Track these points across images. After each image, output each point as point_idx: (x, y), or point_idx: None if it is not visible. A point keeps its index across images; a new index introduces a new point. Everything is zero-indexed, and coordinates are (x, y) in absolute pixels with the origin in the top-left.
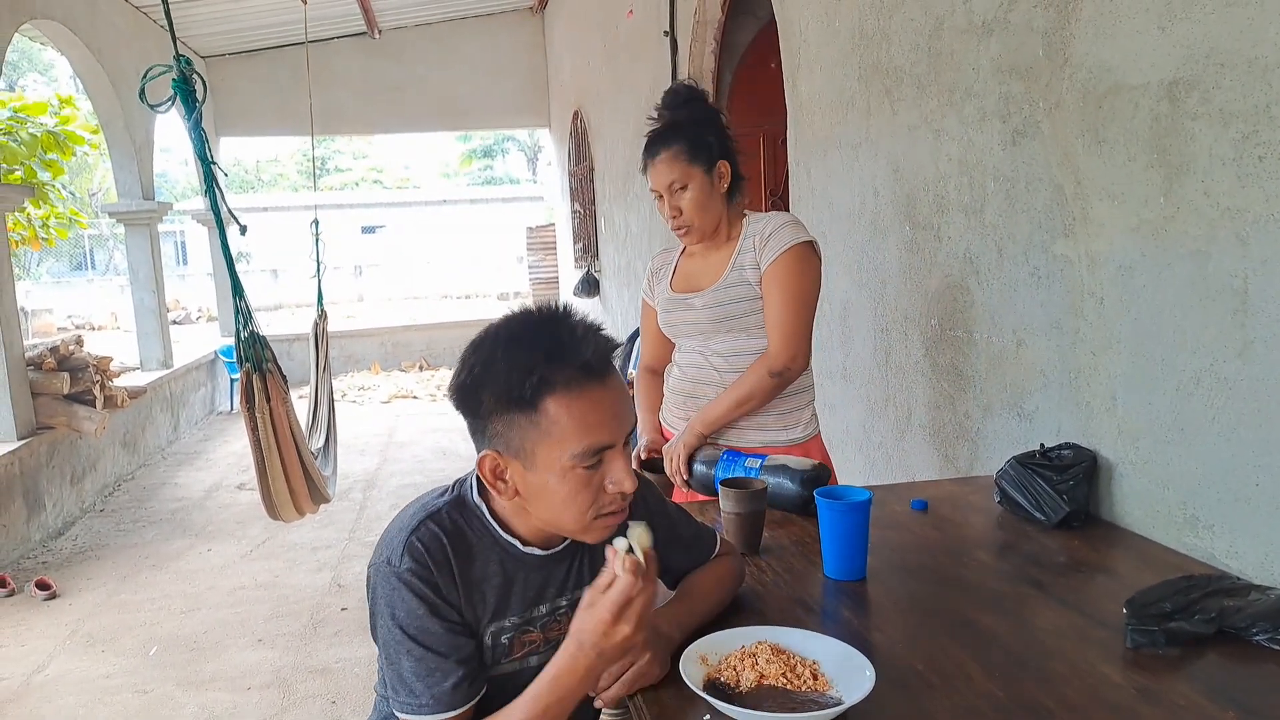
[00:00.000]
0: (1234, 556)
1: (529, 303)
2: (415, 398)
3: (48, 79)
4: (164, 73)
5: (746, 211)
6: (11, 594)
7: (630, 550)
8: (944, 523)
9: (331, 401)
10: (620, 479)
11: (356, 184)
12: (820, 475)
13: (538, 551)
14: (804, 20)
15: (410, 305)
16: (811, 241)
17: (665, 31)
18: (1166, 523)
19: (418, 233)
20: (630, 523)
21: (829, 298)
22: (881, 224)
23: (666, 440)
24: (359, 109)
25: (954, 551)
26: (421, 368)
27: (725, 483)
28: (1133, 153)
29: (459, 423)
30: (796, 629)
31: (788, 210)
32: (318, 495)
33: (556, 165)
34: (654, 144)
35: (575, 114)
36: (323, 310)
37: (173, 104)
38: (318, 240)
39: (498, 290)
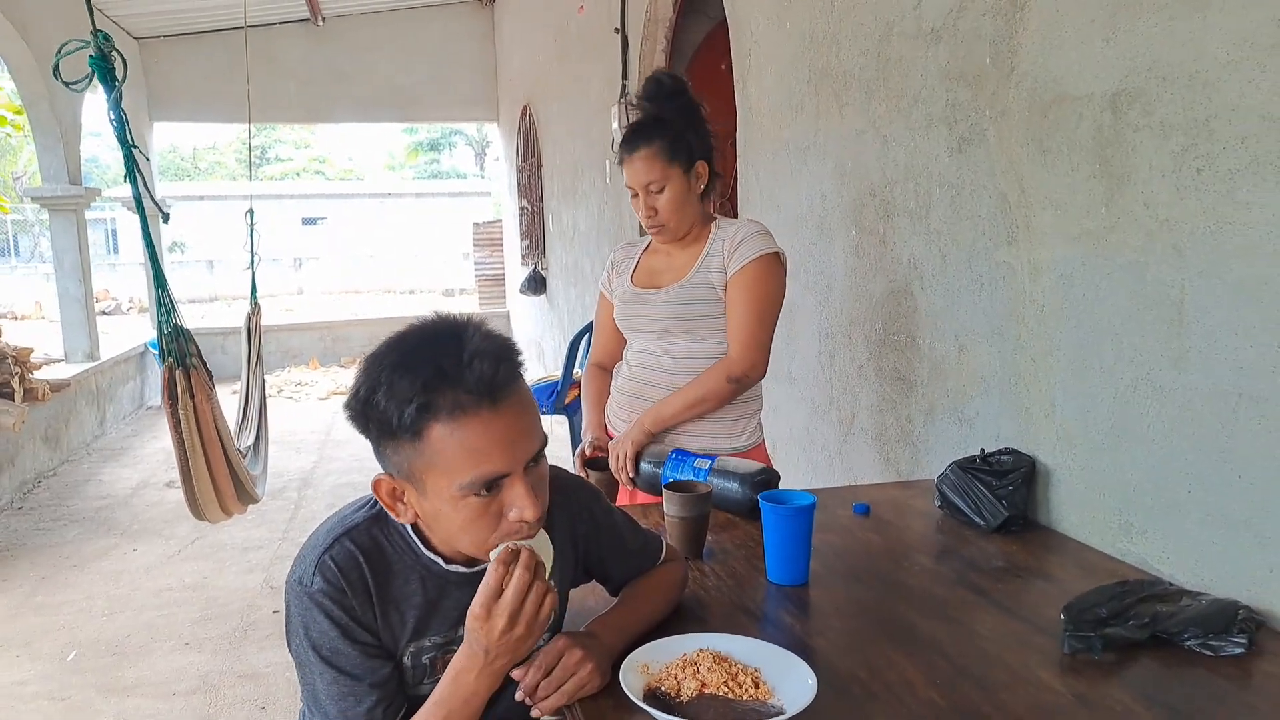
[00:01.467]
0: (1165, 562)
1: (428, 315)
2: None
3: None
4: (80, 48)
5: (716, 215)
6: None
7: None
8: (885, 527)
9: (263, 398)
10: (521, 507)
11: (298, 174)
12: (769, 479)
13: (461, 569)
14: (755, 21)
15: (352, 299)
16: (780, 253)
17: (616, 29)
18: (1102, 528)
19: (361, 225)
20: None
21: None
22: (828, 228)
23: (611, 439)
24: (301, 97)
25: (895, 556)
26: None
27: (670, 486)
28: (1076, 163)
29: None
30: (739, 635)
31: (735, 213)
32: (245, 496)
33: (504, 160)
34: (633, 139)
35: (524, 109)
36: (256, 303)
37: (90, 83)
38: (252, 230)
39: (443, 286)
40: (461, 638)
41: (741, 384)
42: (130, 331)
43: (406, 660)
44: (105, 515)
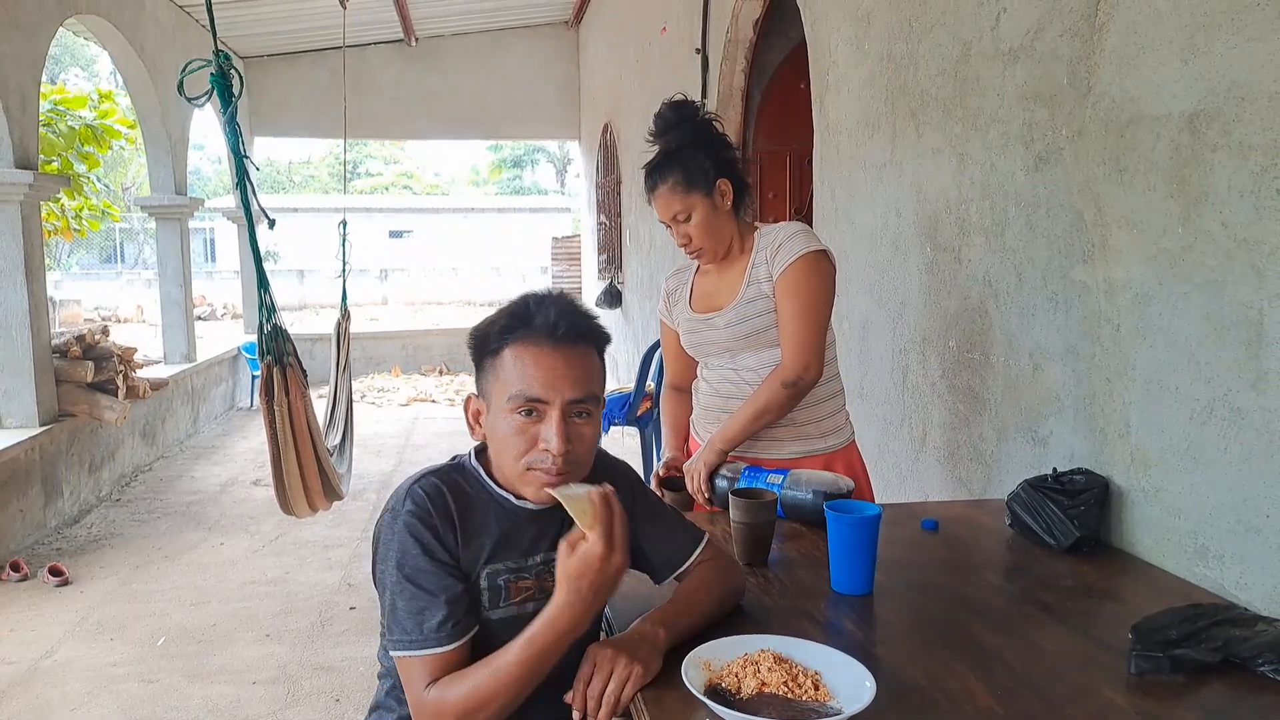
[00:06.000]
0: (1243, 588)
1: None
2: (434, 401)
3: (89, 74)
4: (203, 67)
5: (758, 224)
6: (25, 579)
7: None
8: (954, 542)
9: (350, 400)
10: (548, 436)
11: (387, 188)
12: (842, 490)
13: (530, 506)
14: (834, 42)
15: (434, 310)
16: (823, 250)
17: (697, 49)
18: (1177, 551)
19: (445, 239)
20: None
21: (848, 316)
22: (903, 245)
23: (691, 456)
24: (393, 114)
25: (962, 571)
26: (441, 372)
27: (736, 493)
28: (1152, 182)
29: None
30: (800, 639)
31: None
32: (331, 492)
33: (584, 177)
34: (651, 177)
35: (605, 127)
36: (346, 310)
37: (209, 98)
38: (344, 240)
39: None
40: (530, 565)
41: (798, 388)
42: (224, 336)
43: (483, 582)
44: (195, 510)
